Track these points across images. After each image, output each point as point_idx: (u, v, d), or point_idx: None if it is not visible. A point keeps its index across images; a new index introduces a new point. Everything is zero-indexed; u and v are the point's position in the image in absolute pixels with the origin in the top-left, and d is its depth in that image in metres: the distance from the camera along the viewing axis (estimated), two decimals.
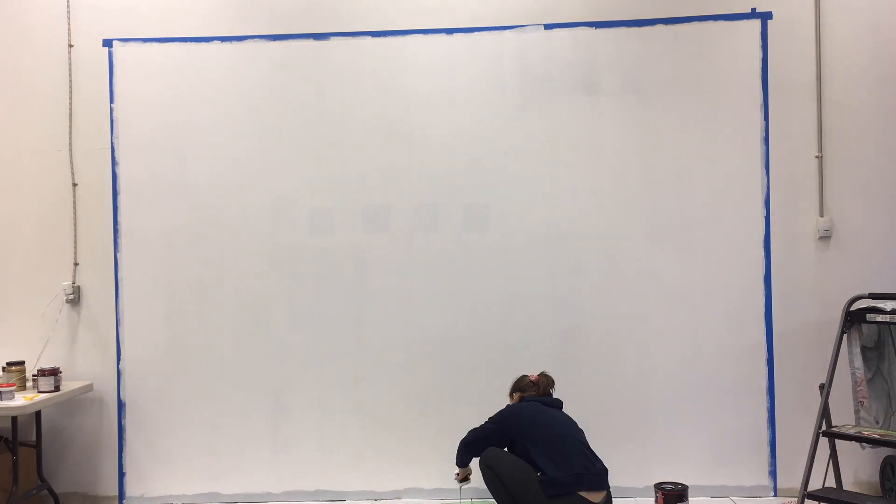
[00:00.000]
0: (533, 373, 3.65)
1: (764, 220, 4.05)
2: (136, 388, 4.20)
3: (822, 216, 4.04)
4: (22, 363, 4.00)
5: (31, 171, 4.26)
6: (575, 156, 4.11)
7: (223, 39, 4.22)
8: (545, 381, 3.60)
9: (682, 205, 4.08)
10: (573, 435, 3.37)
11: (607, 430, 4.05)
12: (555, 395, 3.57)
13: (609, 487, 3.30)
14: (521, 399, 3.56)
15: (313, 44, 4.20)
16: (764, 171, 4.05)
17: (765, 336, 4.05)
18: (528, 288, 4.12)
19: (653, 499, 3.83)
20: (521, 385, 3.63)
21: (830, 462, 3.69)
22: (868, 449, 3.75)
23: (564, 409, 3.53)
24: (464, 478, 3.61)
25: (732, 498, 4.01)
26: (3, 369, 3.96)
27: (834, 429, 3.62)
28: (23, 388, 3.93)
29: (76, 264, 4.24)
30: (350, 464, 4.15)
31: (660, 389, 4.07)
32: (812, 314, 4.03)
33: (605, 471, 3.31)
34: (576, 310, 4.10)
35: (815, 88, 4.04)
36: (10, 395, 3.71)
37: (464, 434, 3.55)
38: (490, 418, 3.52)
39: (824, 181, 4.05)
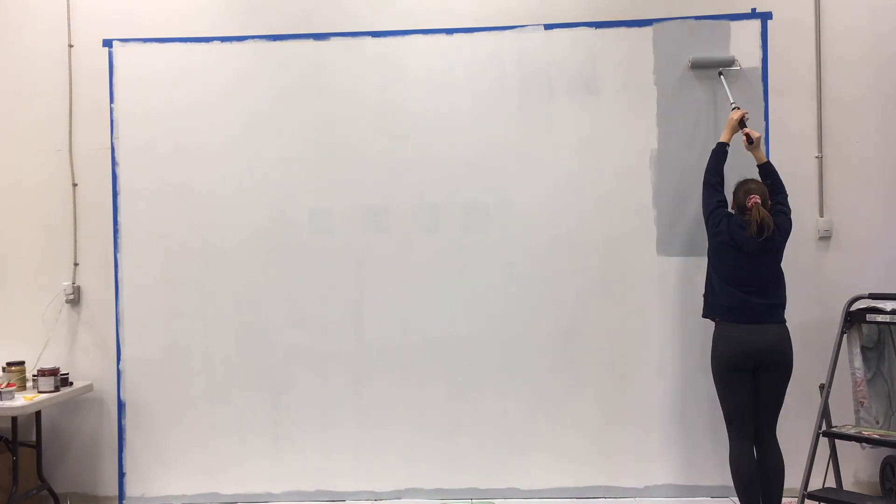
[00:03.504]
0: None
1: None
2: (136, 388, 4.20)
3: (822, 216, 4.04)
4: (22, 363, 4.00)
5: (31, 171, 4.26)
6: (575, 155, 4.11)
7: (223, 40, 4.22)
8: (757, 215, 3.41)
9: (682, 204, 4.07)
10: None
11: (607, 429, 4.06)
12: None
13: (781, 322, 3.44)
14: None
15: (313, 44, 4.19)
16: None
17: None
18: (528, 288, 4.12)
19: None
20: (739, 203, 3.54)
21: (830, 462, 3.68)
22: (868, 449, 3.75)
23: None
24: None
25: (733, 498, 4.00)
26: (3, 369, 3.96)
27: (834, 429, 3.62)
28: (23, 388, 3.94)
29: (76, 264, 4.24)
30: (350, 464, 4.15)
31: (660, 389, 4.07)
32: (812, 314, 4.03)
33: (775, 306, 3.45)
34: (576, 310, 4.10)
35: (815, 88, 4.04)
36: (10, 396, 3.72)
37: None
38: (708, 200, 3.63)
39: (824, 181, 4.05)
